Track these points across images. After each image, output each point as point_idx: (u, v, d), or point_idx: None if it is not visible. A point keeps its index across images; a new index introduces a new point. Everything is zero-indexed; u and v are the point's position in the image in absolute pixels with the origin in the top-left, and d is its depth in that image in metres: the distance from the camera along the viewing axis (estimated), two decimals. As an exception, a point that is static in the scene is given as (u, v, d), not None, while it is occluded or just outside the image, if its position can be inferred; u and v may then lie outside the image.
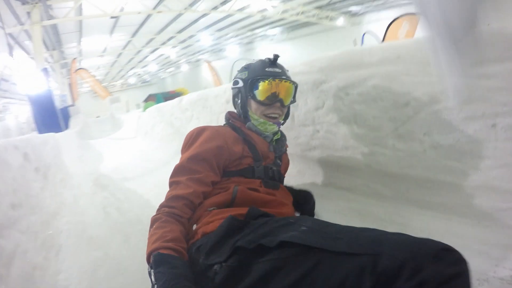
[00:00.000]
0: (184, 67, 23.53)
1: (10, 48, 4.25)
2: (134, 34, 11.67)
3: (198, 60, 21.31)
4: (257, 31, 15.87)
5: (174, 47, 15.46)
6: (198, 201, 0.96)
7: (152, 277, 0.72)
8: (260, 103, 1.11)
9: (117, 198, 2.47)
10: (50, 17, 6.42)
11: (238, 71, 1.21)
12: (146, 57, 17.58)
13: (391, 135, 1.25)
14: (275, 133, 1.20)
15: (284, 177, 1.29)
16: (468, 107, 1.02)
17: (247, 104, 1.14)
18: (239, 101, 1.16)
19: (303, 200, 1.32)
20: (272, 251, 0.68)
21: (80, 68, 10.62)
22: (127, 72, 21.78)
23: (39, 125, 5.41)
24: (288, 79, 1.14)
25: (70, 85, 9.95)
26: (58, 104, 7.29)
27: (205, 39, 14.17)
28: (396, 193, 1.33)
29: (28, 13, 5.39)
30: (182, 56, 19.79)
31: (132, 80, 26.33)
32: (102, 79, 20.78)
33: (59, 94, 8.11)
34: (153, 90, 22.96)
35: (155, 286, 0.70)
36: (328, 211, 1.44)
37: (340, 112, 1.45)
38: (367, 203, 1.42)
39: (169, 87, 21.93)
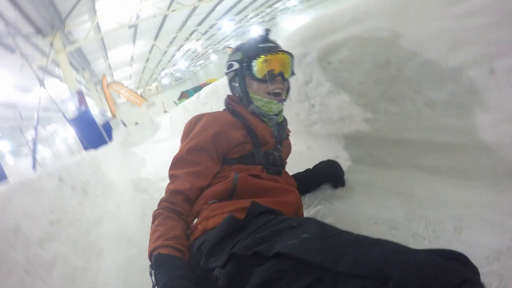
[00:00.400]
0: (213, 57, 23.80)
1: (41, 81, 4.71)
2: (156, 37, 11.99)
3: (225, 48, 21.31)
4: (277, 5, 15.25)
5: (198, 40, 15.62)
6: (195, 196, 0.94)
7: (153, 277, 0.71)
8: (261, 81, 1.05)
9: (155, 199, 2.66)
10: (72, 42, 6.92)
11: (229, 54, 1.15)
12: (174, 55, 18.07)
13: (381, 98, 1.14)
14: (279, 113, 1.14)
15: (286, 162, 1.26)
16: (455, 54, 0.87)
17: (247, 86, 1.08)
18: (237, 84, 1.10)
19: (333, 171, 1.33)
20: (269, 260, 0.62)
21: (112, 82, 11.36)
22: (159, 74, 22.73)
23: (85, 144, 5.91)
24: (283, 51, 1.09)
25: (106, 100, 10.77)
26: (100, 119, 7.88)
27: (226, 25, 14.05)
28: (400, 160, 1.23)
29: (51, 43, 5.89)
30: (208, 47, 19.98)
31: (165, 81, 27.41)
32: (136, 86, 22.07)
33: (99, 110, 8.78)
34: (187, 86, 23.70)
35: (156, 287, 0.69)
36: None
37: (328, 83, 1.36)
38: (373, 173, 1.34)
39: (202, 80, 22.33)
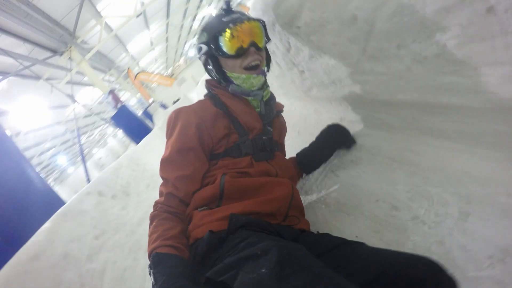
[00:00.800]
0: (231, 17, 22.57)
1: (71, 97, 5.06)
2: (167, 15, 11.70)
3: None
4: None
5: (209, 5, 14.85)
6: (189, 200, 0.94)
7: (152, 277, 0.72)
8: (233, 57, 0.95)
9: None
10: (89, 48, 7.15)
11: (197, 38, 1.06)
12: (191, 27, 17.60)
13: (363, 58, 0.94)
14: (262, 86, 1.03)
15: (281, 143, 1.19)
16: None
17: (222, 66, 1.00)
18: (211, 66, 1.01)
19: (337, 137, 1.27)
20: None
21: (138, 73, 11.68)
22: (183, 48, 22.59)
23: (131, 137, 6.30)
24: (250, 18, 0.96)
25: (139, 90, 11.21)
26: (140, 109, 8.21)
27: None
28: (403, 122, 1.04)
29: (69, 58, 6.14)
30: (223, 8, 18.99)
31: (191, 53, 27.13)
32: (164, 66, 22.39)
33: (137, 100, 9.19)
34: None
35: (155, 286, 0.69)
36: (341, 155, 1.29)
37: (305, 48, 1.16)
38: (378, 137, 1.19)
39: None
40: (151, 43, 13.29)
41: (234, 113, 0.99)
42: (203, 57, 1.02)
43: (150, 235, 0.82)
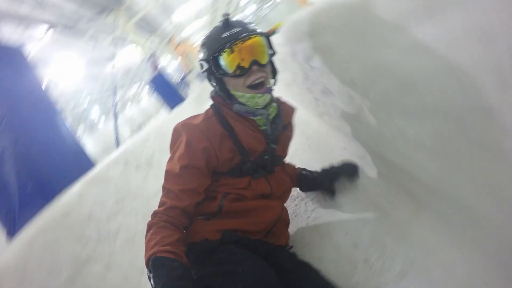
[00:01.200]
0: (281, -5, 21.88)
1: (112, 57, 5.33)
2: (217, -12, 11.60)
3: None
4: None
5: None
6: (191, 210, 0.96)
7: (151, 280, 0.72)
8: (235, 76, 0.93)
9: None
10: (136, 12, 7.23)
11: (199, 52, 1.03)
12: (239, 3, 17.31)
13: (360, 113, 1.03)
14: (268, 104, 1.01)
15: (284, 155, 1.22)
16: (412, 95, 0.70)
17: (225, 84, 0.97)
18: (215, 83, 1.00)
19: (345, 171, 1.28)
20: None
21: (181, 42, 11.86)
22: (229, 22, 22.31)
23: (166, 102, 6.60)
24: (250, 34, 0.92)
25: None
26: (178, 76, 8.41)
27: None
28: (389, 172, 1.14)
29: (115, 18, 6.37)
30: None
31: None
32: (209, 36, 22.36)
33: (176, 67, 9.40)
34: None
35: None
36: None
37: (318, 84, 1.26)
38: (368, 177, 1.29)
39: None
40: (198, 13, 13.35)
41: (238, 135, 0.99)
42: (205, 74, 1.01)
43: (147, 242, 0.82)
